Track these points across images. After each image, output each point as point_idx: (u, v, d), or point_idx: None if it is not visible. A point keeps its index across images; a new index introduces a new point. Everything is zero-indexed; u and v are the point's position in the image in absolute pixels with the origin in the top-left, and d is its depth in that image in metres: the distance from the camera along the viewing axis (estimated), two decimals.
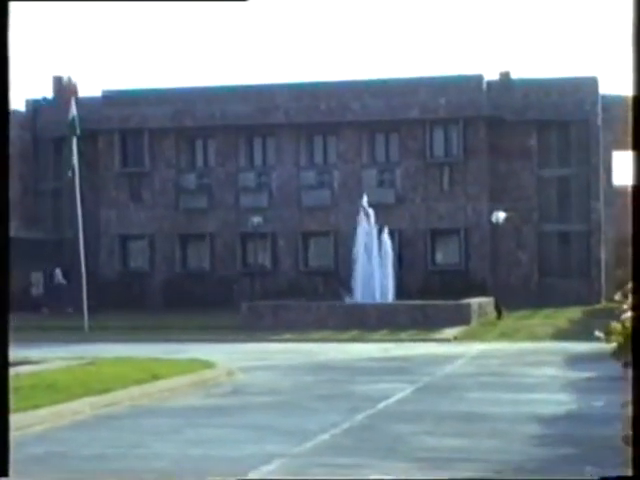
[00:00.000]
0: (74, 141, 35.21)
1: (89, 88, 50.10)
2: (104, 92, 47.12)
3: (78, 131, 35.20)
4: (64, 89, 47.66)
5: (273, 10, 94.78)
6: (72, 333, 31.32)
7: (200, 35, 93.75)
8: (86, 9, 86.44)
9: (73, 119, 35.33)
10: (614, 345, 11.04)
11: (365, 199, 37.82)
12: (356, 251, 37.39)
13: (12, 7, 4.81)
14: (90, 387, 15.65)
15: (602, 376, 17.40)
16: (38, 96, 49.50)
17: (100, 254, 45.97)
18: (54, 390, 15.10)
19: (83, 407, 14.52)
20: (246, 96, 45.34)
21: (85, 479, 8.39)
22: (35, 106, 48.87)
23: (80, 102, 39.44)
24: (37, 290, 46.36)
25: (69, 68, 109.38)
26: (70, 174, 35.18)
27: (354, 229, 37.94)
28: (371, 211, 37.49)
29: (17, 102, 48.35)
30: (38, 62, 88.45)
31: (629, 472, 6.92)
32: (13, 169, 45.32)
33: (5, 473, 4.66)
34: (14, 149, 46.54)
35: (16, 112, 47.48)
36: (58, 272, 44.19)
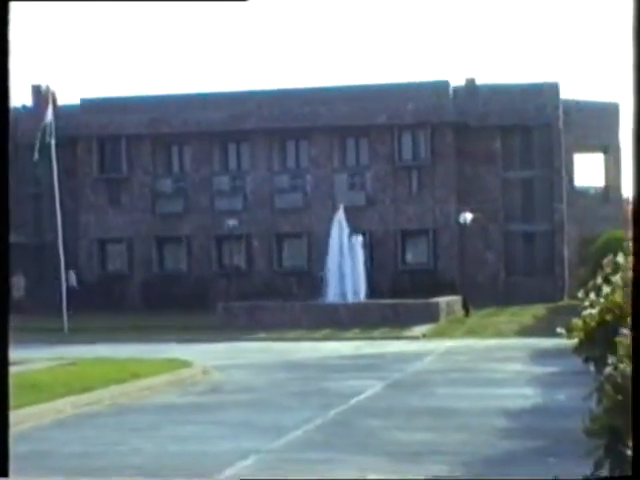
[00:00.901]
0: (48, 146, 35.25)
1: (68, 96, 50.00)
2: (82, 100, 46.98)
3: (53, 137, 35.17)
4: (43, 98, 47.46)
5: (245, 20, 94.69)
6: (52, 335, 31.18)
7: (174, 45, 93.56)
8: (64, 20, 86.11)
9: (49, 124, 35.31)
10: (575, 341, 11.16)
11: (340, 204, 37.92)
12: (328, 252, 37.47)
13: (12, 7, 4.77)
14: (72, 387, 15.64)
15: (565, 371, 17.52)
16: (18, 104, 49.30)
17: (80, 257, 45.80)
18: (37, 390, 15.08)
19: (65, 406, 14.51)
20: (220, 103, 45.29)
21: (83, 478, 8.39)
22: (15, 114, 48.55)
23: (59, 110, 39.37)
24: (18, 292, 46.13)
25: (48, 77, 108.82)
26: (37, 156, 35.23)
27: (326, 230, 37.99)
28: (343, 213, 37.58)
29: None
30: (18, 71, 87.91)
31: (606, 469, 7.00)
32: None
33: (5, 473, 4.64)
34: None
35: None
36: (72, 274, 44.00)
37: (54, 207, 36.38)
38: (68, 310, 40.24)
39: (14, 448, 11.51)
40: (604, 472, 6.95)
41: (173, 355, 21.87)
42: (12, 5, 4.65)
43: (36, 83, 48.97)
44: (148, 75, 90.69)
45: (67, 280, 43.71)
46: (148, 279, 45.64)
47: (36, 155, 35.52)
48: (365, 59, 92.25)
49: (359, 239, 37.90)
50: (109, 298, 43.76)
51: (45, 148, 35.44)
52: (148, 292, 44.69)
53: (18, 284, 46.30)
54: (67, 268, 36.10)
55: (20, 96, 47.17)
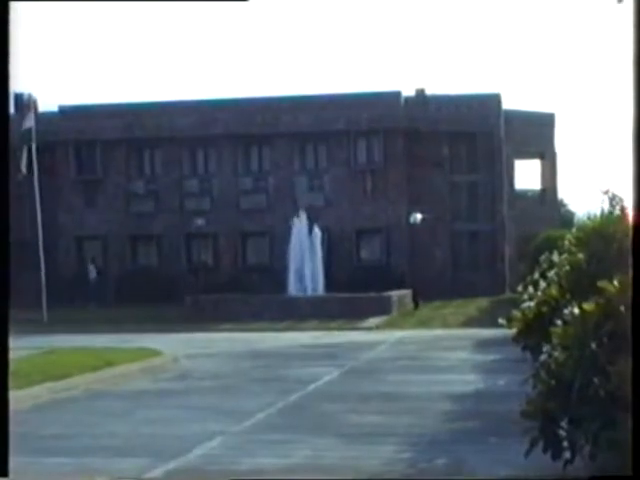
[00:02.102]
0: (26, 150, 35.06)
1: (46, 103, 49.57)
2: (60, 107, 46.61)
3: (34, 142, 35.00)
4: (25, 105, 47.02)
5: (213, 33, 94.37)
6: (32, 325, 30.89)
7: (148, 55, 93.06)
8: (43, 27, 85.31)
9: (29, 130, 35.10)
10: (515, 331, 11.25)
11: (300, 204, 38.01)
12: (290, 249, 37.49)
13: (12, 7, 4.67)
14: (49, 374, 15.53)
15: (505, 358, 17.60)
16: None
17: (58, 254, 45.43)
18: (16, 377, 14.87)
19: (42, 392, 14.41)
20: (189, 110, 45.11)
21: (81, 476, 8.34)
22: None
23: (39, 116, 39.03)
24: None
25: (28, 84, 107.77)
26: (24, 171, 35.03)
27: (288, 229, 37.97)
28: (303, 213, 37.62)
29: None
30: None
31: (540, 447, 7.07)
32: None
33: (5, 473, 4.56)
34: None
35: None
36: (92, 268, 43.61)
37: (34, 207, 36.11)
38: (90, 301, 39.77)
39: None
40: (538, 449, 7.03)
41: (145, 345, 21.77)
42: (12, 5, 4.56)
43: (18, 91, 48.52)
44: (123, 83, 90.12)
45: (89, 273, 43.40)
46: (121, 274, 45.35)
47: (24, 170, 35.28)
48: (324, 70, 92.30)
49: (318, 237, 37.92)
50: (85, 292, 43.42)
51: (22, 151, 35.25)
52: (121, 286, 44.41)
53: None
54: (46, 264, 35.75)
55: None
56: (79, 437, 11.02)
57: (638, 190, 5.15)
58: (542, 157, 47.95)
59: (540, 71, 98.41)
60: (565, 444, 6.82)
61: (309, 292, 36.90)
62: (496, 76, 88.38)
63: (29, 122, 35.30)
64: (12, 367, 16.34)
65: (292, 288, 37.03)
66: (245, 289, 39.92)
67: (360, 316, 31.94)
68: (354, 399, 13.89)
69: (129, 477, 8.69)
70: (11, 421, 12.54)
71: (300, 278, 37.23)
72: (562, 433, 6.82)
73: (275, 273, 40.58)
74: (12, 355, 18.39)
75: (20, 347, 20.48)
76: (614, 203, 10.11)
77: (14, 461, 9.48)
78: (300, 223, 37.53)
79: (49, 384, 14.86)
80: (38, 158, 36.25)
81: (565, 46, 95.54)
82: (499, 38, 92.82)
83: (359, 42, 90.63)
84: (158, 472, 8.86)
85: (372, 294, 35.09)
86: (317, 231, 38.07)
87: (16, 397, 13.61)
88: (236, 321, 31.33)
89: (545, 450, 6.97)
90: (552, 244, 14.12)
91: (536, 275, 11.66)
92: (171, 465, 9.18)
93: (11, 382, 14.64)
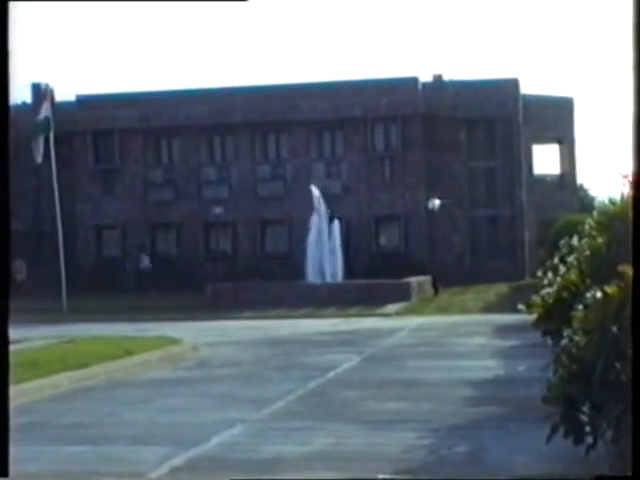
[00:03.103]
0: (43, 139, 35.16)
1: (64, 93, 49.62)
2: (78, 97, 46.70)
3: (52, 131, 35.05)
4: (42, 95, 47.10)
5: (230, 21, 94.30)
6: (51, 315, 31.02)
7: (165, 42, 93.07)
8: (60, 19, 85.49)
9: (46, 119, 35.14)
10: (535, 316, 11.19)
11: (317, 191, 37.93)
12: (309, 237, 37.48)
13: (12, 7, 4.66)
14: (68, 363, 15.55)
15: (525, 344, 17.54)
16: (18, 101, 48.91)
17: (77, 243, 45.59)
18: (36, 366, 14.99)
19: (62, 381, 14.43)
20: (206, 99, 45.12)
21: (81, 476, 8.35)
22: (16, 111, 48.06)
23: (56, 106, 39.06)
24: (20, 276, 45.88)
25: (45, 74, 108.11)
26: (39, 160, 35.17)
27: (306, 217, 37.93)
28: (321, 201, 37.58)
29: None
30: (18, 69, 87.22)
31: (561, 432, 7.02)
32: None
33: (5, 473, 4.54)
34: None
35: None
36: (145, 257, 43.72)
37: (53, 197, 36.20)
38: (139, 290, 39.67)
39: (14, 420, 11.47)
40: (559, 435, 6.98)
41: (164, 333, 21.79)
42: (12, 5, 4.54)
43: (36, 81, 48.62)
44: (139, 72, 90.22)
45: (141, 262, 43.45)
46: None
47: (39, 159, 35.45)
48: (341, 57, 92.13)
49: (336, 224, 37.88)
50: (104, 281, 43.54)
51: (37, 140, 35.31)
52: (140, 275, 44.51)
53: (20, 269, 46.08)
54: (65, 253, 35.83)
55: (20, 93, 46.78)
56: (99, 426, 11.03)
57: (637, 187, 5.06)
58: (561, 142, 47.69)
59: (558, 55, 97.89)
60: (587, 429, 6.77)
61: (328, 279, 36.87)
62: (514, 61, 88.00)
63: (45, 111, 35.33)
64: (31, 356, 16.52)
65: (311, 275, 37.01)
66: (264, 277, 39.94)
67: (379, 303, 31.89)
68: (374, 386, 13.86)
69: (134, 475, 8.68)
70: (32, 410, 12.64)
71: (319, 265, 37.20)
72: (584, 418, 6.76)
73: (294, 261, 40.59)
74: (32, 344, 18.55)
75: (40, 336, 20.61)
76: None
77: (34, 450, 9.53)
78: (318, 210, 37.47)
79: (69, 373, 14.88)
80: (56, 148, 36.26)
81: (583, 30, 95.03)
82: (516, 22, 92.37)
83: (376, 28, 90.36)
84: (178, 460, 8.85)
85: (391, 281, 35.02)
86: (335, 218, 38.01)
87: (36, 386, 13.68)
88: (255, 309, 31.34)
89: (566, 435, 6.91)
90: (571, 229, 14.01)
91: (556, 260, 11.59)
92: (191, 453, 9.17)
93: (30, 371, 14.77)
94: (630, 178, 9.70)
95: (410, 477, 7.74)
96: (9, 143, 4.61)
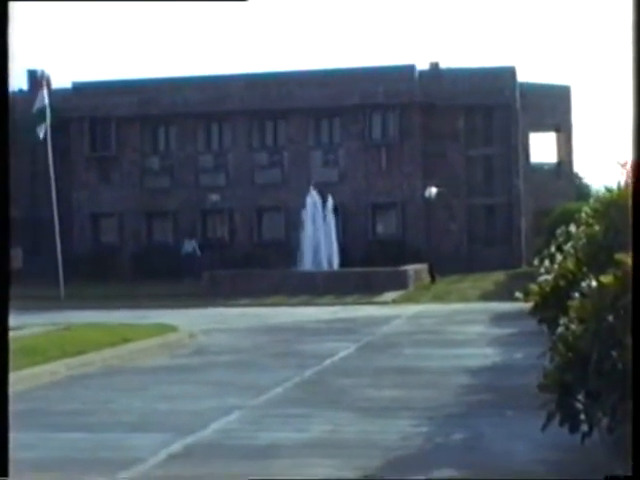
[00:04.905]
0: (44, 127, 35.13)
1: (60, 79, 49.46)
2: (74, 83, 46.63)
3: (49, 119, 35.02)
4: (38, 82, 47.03)
5: (227, 8, 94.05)
6: (49, 302, 31.04)
7: (162, 29, 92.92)
8: (58, 7, 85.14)
9: (43, 108, 35.08)
10: (531, 304, 11.23)
11: (314, 179, 38.01)
12: (304, 225, 37.48)
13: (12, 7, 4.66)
14: (66, 350, 15.57)
15: (522, 332, 17.60)
16: (14, 88, 48.86)
17: (73, 231, 45.58)
18: (33, 353, 15.01)
19: (59, 368, 14.45)
20: (204, 86, 45.07)
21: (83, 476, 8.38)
22: (12, 97, 48.05)
23: (52, 93, 39.01)
24: (17, 264, 45.83)
25: (41, 61, 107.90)
26: (42, 136, 35.20)
27: (303, 204, 37.94)
28: (317, 188, 37.60)
29: None
30: (14, 56, 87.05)
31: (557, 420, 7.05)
32: None
33: (5, 473, 4.56)
34: None
35: None
36: (193, 242, 43.60)
37: (49, 185, 36.20)
38: (188, 276, 39.60)
39: (13, 407, 11.49)
40: (555, 423, 7.02)
41: (161, 321, 21.81)
42: (12, 5, 4.55)
43: (32, 68, 48.56)
44: (136, 59, 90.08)
45: (184, 248, 43.33)
46: (137, 251, 45.50)
47: (41, 135, 35.48)
48: (338, 44, 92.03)
49: (331, 211, 37.87)
50: (101, 268, 43.56)
51: (33, 129, 35.29)
52: (137, 263, 44.54)
53: (16, 256, 46.04)
54: (61, 240, 35.83)
55: (17, 80, 46.71)
56: (96, 413, 11.07)
57: (637, 183, 5.08)
58: (558, 130, 47.72)
59: (556, 43, 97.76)
60: (582, 417, 6.81)
61: (325, 266, 36.89)
62: (511, 49, 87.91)
63: (42, 100, 35.25)
64: (29, 343, 16.52)
65: (307, 263, 37.02)
66: (261, 264, 39.98)
67: (376, 291, 31.94)
68: (371, 373, 13.90)
69: (132, 461, 8.72)
70: (30, 397, 12.66)
71: (315, 253, 37.22)
72: (579, 406, 6.80)
73: (290, 248, 40.60)
74: (30, 331, 18.56)
75: (37, 323, 20.63)
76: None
77: (33, 436, 9.57)
78: (313, 198, 37.48)
79: (66, 360, 14.90)
80: (52, 135, 36.24)
81: (581, 17, 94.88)
82: (514, 10, 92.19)
83: (373, 16, 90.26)
84: (176, 447, 8.89)
85: (388, 268, 35.06)
86: (331, 206, 38.02)
87: (34, 373, 13.71)
88: (252, 296, 31.37)
89: (562, 423, 6.95)
90: (568, 217, 14.06)
91: (552, 248, 11.62)
92: (189, 440, 9.21)
93: (28, 358, 14.77)
94: (629, 167, 9.73)
95: (405, 477, 7.77)
96: (9, 137, 4.60)
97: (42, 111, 35.09)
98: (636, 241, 5.07)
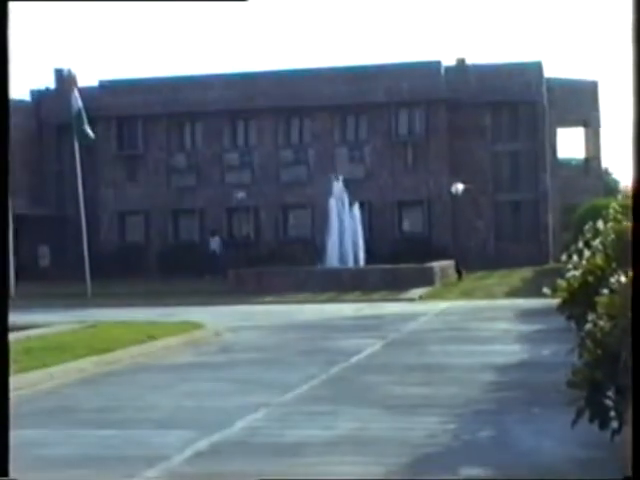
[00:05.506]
0: (86, 128, 35.42)
1: (87, 78, 49.73)
2: (101, 82, 46.84)
3: (86, 122, 35.32)
4: (65, 80, 47.29)
5: (254, 5, 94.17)
6: (75, 299, 31.18)
7: (187, 28, 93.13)
8: (84, 7, 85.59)
9: (79, 110, 35.26)
10: (559, 300, 11.14)
11: (340, 176, 37.94)
12: (329, 222, 37.44)
13: (13, 6, 4.67)
14: (93, 347, 15.64)
15: (550, 328, 17.49)
16: (41, 86, 49.16)
17: (100, 228, 45.81)
18: (61, 351, 15.10)
19: (87, 365, 14.52)
20: (230, 83, 45.16)
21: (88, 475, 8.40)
22: (39, 96, 48.53)
23: (79, 90, 39.20)
24: (44, 261, 46.14)
25: (69, 60, 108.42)
26: (84, 139, 35.46)
27: (328, 201, 37.92)
28: (342, 184, 37.54)
29: (22, 92, 48.03)
30: (41, 55, 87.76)
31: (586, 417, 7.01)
32: (20, 153, 45.02)
33: (5, 473, 4.56)
34: (21, 135, 46.19)
35: (22, 101, 47.13)
36: (217, 239, 43.87)
37: (76, 182, 36.36)
38: (211, 274, 39.86)
39: (42, 404, 11.56)
40: (584, 420, 6.97)
41: (187, 318, 21.86)
42: (12, 5, 4.54)
43: (58, 67, 48.84)
44: (162, 57, 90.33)
45: (210, 245, 43.62)
46: (163, 249, 45.66)
47: (92, 135, 35.85)
48: (364, 41, 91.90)
49: (356, 208, 37.81)
50: (127, 266, 43.74)
51: (80, 132, 35.51)
52: (164, 261, 44.71)
53: (43, 254, 46.34)
54: (88, 239, 36.01)
55: (44, 79, 47.03)
56: (123, 410, 11.10)
57: (638, 186, 5.01)
58: (586, 125, 47.47)
59: (583, 38, 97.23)
60: (612, 414, 6.76)
61: (351, 263, 36.85)
62: (537, 44, 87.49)
63: (76, 104, 35.40)
64: (56, 341, 16.61)
65: (333, 260, 36.99)
66: (286, 262, 39.99)
67: (402, 287, 31.86)
68: (397, 370, 13.86)
69: (159, 457, 8.74)
70: (59, 394, 12.72)
71: (341, 250, 37.18)
72: (609, 403, 6.75)
73: (316, 245, 40.61)
74: (56, 329, 18.61)
75: (64, 321, 20.76)
76: None
77: (62, 433, 9.62)
78: (339, 195, 37.42)
79: (94, 358, 14.97)
80: (79, 135, 36.39)
81: (608, 11, 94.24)
82: (540, 5, 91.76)
83: (399, 12, 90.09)
84: (202, 444, 8.90)
85: (414, 265, 34.97)
86: (357, 203, 37.97)
87: (62, 370, 13.79)
88: (278, 293, 31.39)
89: (592, 420, 6.91)
90: (596, 213, 13.93)
91: (580, 244, 11.53)
92: (215, 437, 9.22)
93: (56, 356, 14.84)
94: None
95: (409, 477, 7.74)
96: (9, 140, 4.59)
97: (80, 113, 35.29)
98: (636, 244, 5.01)
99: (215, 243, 43.99)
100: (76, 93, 35.84)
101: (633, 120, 4.81)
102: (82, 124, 35.24)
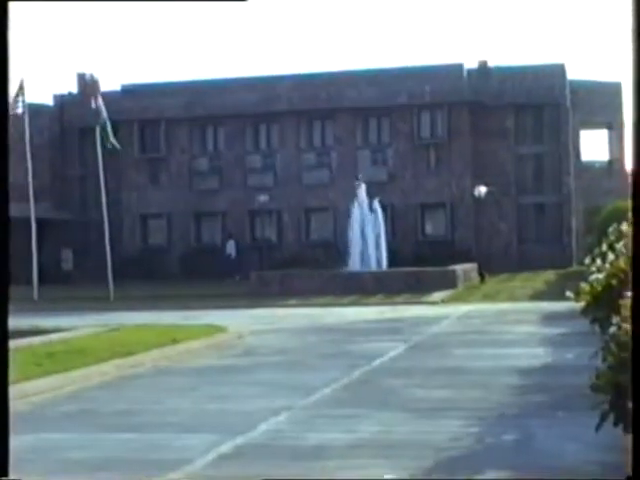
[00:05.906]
0: (99, 130, 35.58)
1: (109, 82, 49.89)
2: (123, 86, 47.02)
3: (111, 134, 35.59)
4: (87, 84, 47.49)
5: (275, 8, 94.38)
6: (98, 303, 31.31)
7: (210, 31, 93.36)
8: (106, 12, 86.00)
9: (104, 119, 35.51)
10: (583, 304, 11.07)
11: (361, 178, 37.87)
12: (352, 224, 37.39)
13: (23, 8, 4.67)
14: (115, 351, 15.69)
15: (573, 332, 17.42)
16: (64, 91, 49.41)
17: (123, 232, 45.98)
18: (83, 354, 15.15)
19: (109, 369, 14.56)
20: (252, 86, 45.23)
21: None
22: (62, 100, 48.78)
23: (102, 96, 39.37)
24: (67, 265, 46.35)
25: (91, 64, 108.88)
26: (110, 146, 35.73)
27: (351, 204, 37.90)
28: (364, 188, 37.49)
29: (45, 97, 48.31)
30: (63, 60, 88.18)
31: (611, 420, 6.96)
32: (43, 157, 45.27)
33: (5, 473, 4.56)
34: (44, 139, 46.48)
35: (45, 106, 47.40)
36: (232, 243, 44.13)
37: (99, 186, 36.52)
38: (229, 276, 40.20)
39: (65, 407, 11.60)
40: (608, 423, 6.92)
41: (210, 321, 21.90)
42: (12, 5, 4.55)
43: (81, 71, 49.06)
44: (184, 61, 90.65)
45: (226, 248, 43.87)
46: (186, 252, 45.78)
47: (118, 145, 36.22)
48: (386, 44, 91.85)
49: (379, 211, 37.72)
50: (150, 269, 43.89)
51: (104, 137, 35.79)
52: (186, 263, 44.83)
53: (66, 257, 46.55)
54: (111, 241, 36.13)
55: (66, 83, 47.29)
56: (146, 413, 11.12)
57: (636, 183, 4.96)
58: (609, 127, 47.21)
59: (606, 39, 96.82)
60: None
61: (373, 267, 36.81)
62: (560, 46, 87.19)
63: (101, 112, 35.61)
64: (79, 344, 16.67)
65: (355, 263, 36.95)
66: (309, 265, 40.00)
67: (425, 290, 31.81)
68: (419, 374, 13.83)
69: (181, 461, 8.75)
70: (81, 397, 12.76)
71: (364, 253, 37.13)
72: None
73: (338, 248, 40.59)
74: (78, 333, 18.67)
75: (87, 324, 20.84)
76: None
77: (84, 437, 9.65)
78: (361, 198, 37.37)
79: (116, 361, 15.01)
80: (102, 139, 36.59)
81: (630, 12, 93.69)
82: (562, 6, 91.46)
83: (421, 14, 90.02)
84: (225, 447, 8.91)
85: (437, 268, 34.90)
86: (380, 206, 37.89)
87: (84, 374, 13.84)
88: (300, 296, 31.40)
89: (616, 424, 6.86)
90: (620, 215, 13.85)
91: (604, 247, 11.46)
92: (238, 440, 9.22)
93: (78, 359, 14.90)
94: None
95: (416, 477, 7.71)
96: (9, 143, 4.58)
97: (105, 125, 35.56)
98: (636, 242, 4.98)
99: (230, 246, 44.12)
100: (100, 102, 35.95)
101: (633, 120, 4.77)
102: (108, 136, 35.46)
